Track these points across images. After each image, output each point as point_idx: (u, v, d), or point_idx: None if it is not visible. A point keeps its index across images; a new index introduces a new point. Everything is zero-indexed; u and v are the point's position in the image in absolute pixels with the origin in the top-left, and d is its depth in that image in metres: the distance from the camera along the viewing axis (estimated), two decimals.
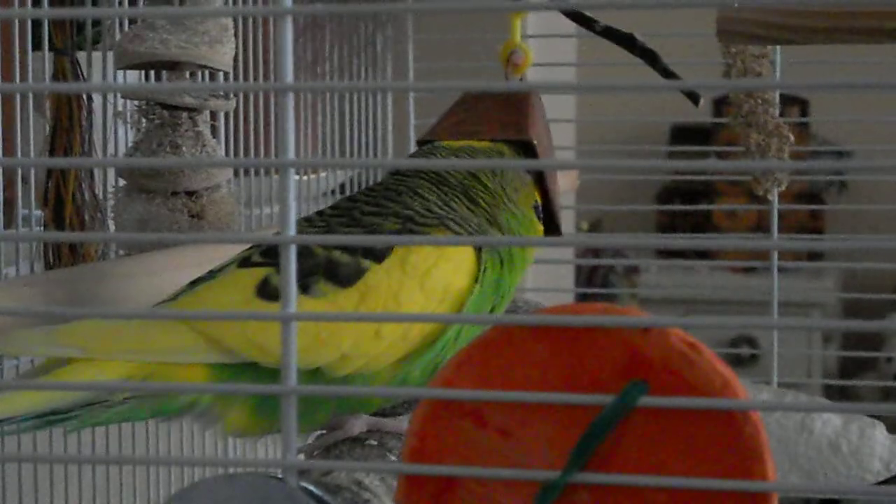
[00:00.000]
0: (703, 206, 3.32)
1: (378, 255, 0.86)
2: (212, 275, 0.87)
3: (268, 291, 0.83)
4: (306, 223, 0.90)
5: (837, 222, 3.48)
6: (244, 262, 0.86)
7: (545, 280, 2.17)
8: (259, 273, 0.84)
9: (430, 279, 0.86)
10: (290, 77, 0.58)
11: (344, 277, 0.85)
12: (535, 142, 0.93)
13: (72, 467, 1.12)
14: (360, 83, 0.64)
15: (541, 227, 0.96)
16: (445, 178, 0.92)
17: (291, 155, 0.59)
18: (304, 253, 0.84)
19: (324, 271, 0.84)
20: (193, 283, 0.87)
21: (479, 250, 0.89)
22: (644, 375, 0.57)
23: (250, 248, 0.88)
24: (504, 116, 0.94)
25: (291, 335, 0.59)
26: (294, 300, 0.60)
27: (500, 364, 0.60)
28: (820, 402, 1.21)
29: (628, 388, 0.57)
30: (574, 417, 0.58)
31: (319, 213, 0.92)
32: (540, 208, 0.95)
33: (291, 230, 0.60)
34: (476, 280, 0.88)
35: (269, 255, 0.85)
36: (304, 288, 0.83)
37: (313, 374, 0.84)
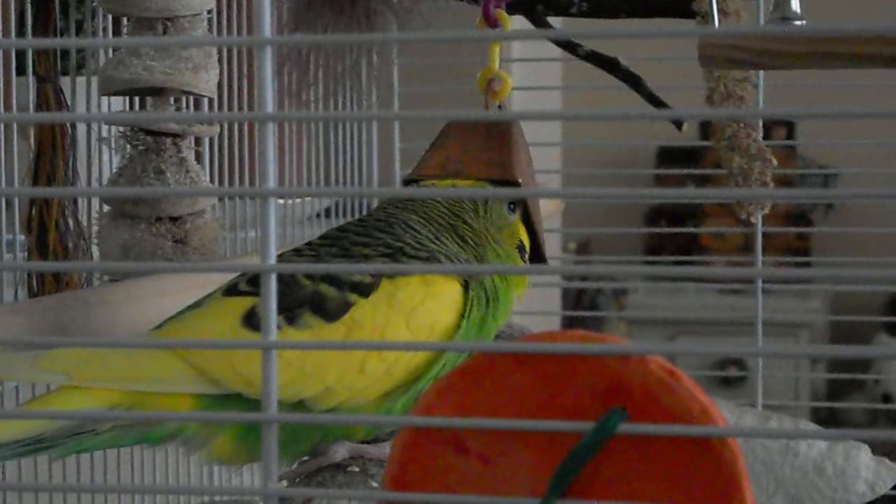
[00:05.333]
0: (689, 230, 3.32)
1: (365, 290, 0.85)
2: (198, 304, 0.87)
3: (254, 321, 0.83)
4: (295, 254, 0.90)
5: (824, 242, 3.49)
6: (230, 290, 0.86)
7: (532, 303, 2.17)
8: (245, 303, 0.84)
9: (417, 316, 0.86)
10: (270, 107, 0.58)
11: (330, 311, 0.84)
12: (520, 180, 0.93)
13: (56, 495, 1.12)
14: (342, 113, 0.64)
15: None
16: (432, 216, 0.92)
17: (272, 184, 0.59)
18: (290, 283, 0.84)
19: (310, 304, 0.84)
20: (181, 313, 0.87)
21: (466, 288, 0.89)
22: (623, 402, 0.58)
23: (237, 274, 0.88)
24: (488, 154, 0.94)
25: (272, 363, 0.60)
26: (274, 328, 0.60)
27: (480, 391, 0.60)
28: (799, 428, 1.21)
29: (607, 416, 0.57)
30: (554, 444, 0.58)
31: (308, 243, 0.92)
32: (525, 248, 0.95)
33: (272, 259, 0.60)
34: (463, 315, 0.88)
35: (256, 283, 0.85)
36: (290, 320, 0.84)
37: (297, 407, 0.84)
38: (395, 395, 0.86)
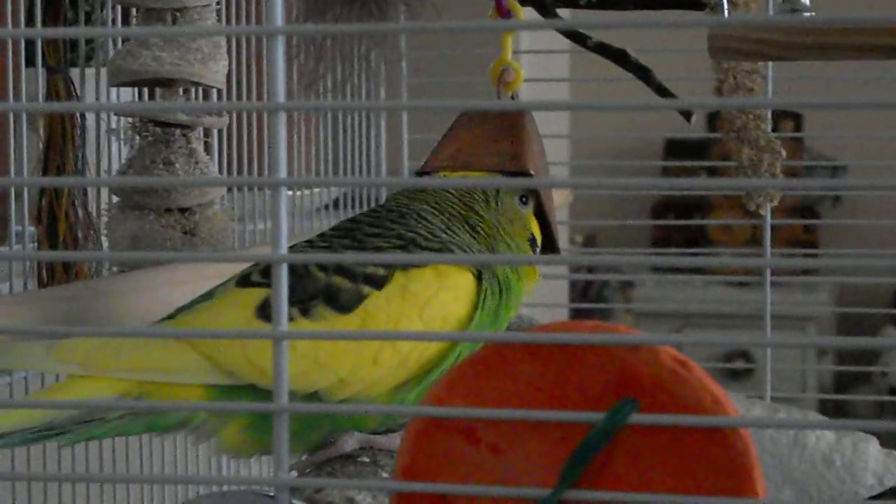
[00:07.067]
0: (697, 221, 3.32)
1: (378, 282, 0.85)
2: (211, 293, 0.87)
3: (268, 313, 0.83)
4: (308, 245, 0.90)
5: (832, 235, 3.48)
6: (243, 280, 0.86)
7: (540, 295, 2.17)
8: (259, 294, 0.84)
9: (430, 308, 0.86)
10: (281, 97, 0.58)
11: (344, 303, 0.84)
12: (532, 172, 0.93)
13: (65, 484, 1.12)
14: (352, 102, 0.64)
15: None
16: (444, 207, 0.92)
17: (283, 173, 0.59)
18: (304, 275, 0.84)
19: (324, 296, 0.84)
20: (193, 302, 0.87)
21: (479, 279, 0.88)
22: (634, 393, 0.58)
23: (250, 265, 0.88)
24: (500, 145, 0.94)
25: (283, 353, 0.60)
26: (285, 318, 0.60)
27: (491, 381, 0.60)
28: (810, 419, 1.21)
29: (619, 406, 0.57)
30: (565, 435, 0.58)
31: (321, 235, 0.92)
32: (536, 241, 0.95)
33: (283, 249, 0.60)
34: (476, 307, 0.88)
35: (269, 274, 0.85)
36: (304, 311, 0.84)
37: (310, 399, 0.84)
38: (408, 386, 0.86)
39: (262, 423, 0.84)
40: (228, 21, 1.21)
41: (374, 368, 0.85)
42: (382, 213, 0.91)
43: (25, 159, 1.03)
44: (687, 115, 1.05)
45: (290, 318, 0.82)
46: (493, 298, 0.89)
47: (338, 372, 0.84)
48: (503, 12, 0.95)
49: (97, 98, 1.11)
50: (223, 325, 0.84)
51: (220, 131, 1.20)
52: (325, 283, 0.85)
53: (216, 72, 1.04)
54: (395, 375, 0.85)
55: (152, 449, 1.22)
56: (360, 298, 0.85)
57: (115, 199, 1.07)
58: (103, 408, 0.81)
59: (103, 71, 1.09)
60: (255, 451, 0.86)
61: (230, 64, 1.08)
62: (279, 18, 0.58)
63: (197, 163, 1.06)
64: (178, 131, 1.05)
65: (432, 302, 0.86)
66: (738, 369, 3.15)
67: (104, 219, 1.08)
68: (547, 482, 0.58)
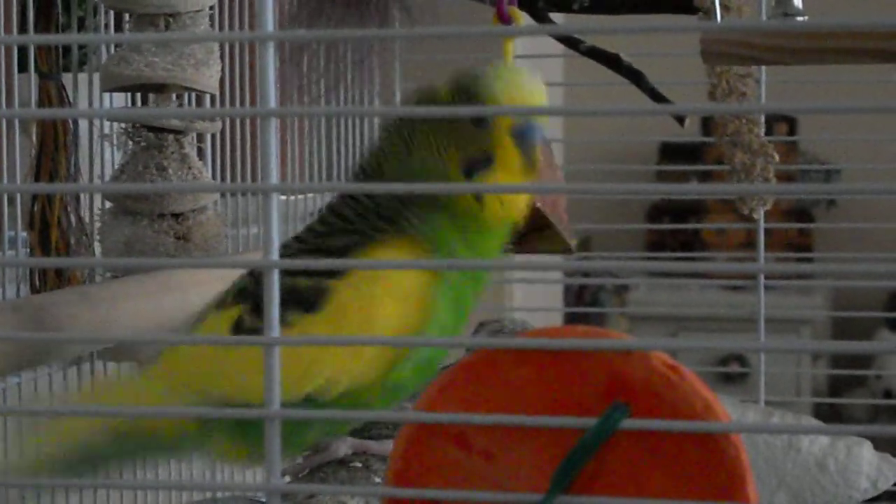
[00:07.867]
0: (691, 225, 3.32)
1: (337, 272, 0.84)
2: (197, 317, 0.87)
3: (243, 329, 0.82)
4: (282, 249, 0.89)
5: (826, 238, 3.48)
6: (221, 302, 0.86)
7: (534, 299, 2.17)
8: (232, 313, 0.83)
9: (397, 285, 0.84)
10: (272, 102, 0.58)
11: (308, 301, 0.83)
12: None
13: (58, 490, 1.12)
14: (345, 108, 0.64)
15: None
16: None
17: (274, 179, 0.59)
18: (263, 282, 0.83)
19: (289, 299, 0.83)
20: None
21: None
22: (626, 398, 0.58)
23: (228, 288, 0.86)
24: None
25: (274, 360, 0.60)
26: (276, 325, 0.60)
27: (483, 387, 0.60)
28: (802, 424, 1.21)
29: (610, 411, 0.57)
30: (557, 440, 0.58)
31: (296, 237, 0.91)
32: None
33: (274, 255, 0.60)
34: (437, 275, 0.85)
35: (240, 295, 0.84)
36: None
37: (303, 402, 0.84)
38: (402, 366, 0.84)
39: (254, 432, 0.83)
40: (221, 27, 1.21)
41: (357, 362, 0.83)
42: (346, 202, 0.89)
43: (18, 165, 1.03)
44: (680, 118, 1.05)
45: (258, 330, 0.81)
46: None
47: (323, 372, 0.83)
48: (504, 19, 0.94)
49: (90, 103, 1.11)
50: (204, 355, 0.83)
51: (213, 136, 1.20)
52: (290, 286, 0.82)
53: (209, 77, 1.04)
54: (382, 359, 0.84)
55: None
56: (321, 293, 0.83)
57: (107, 204, 1.07)
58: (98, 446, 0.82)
59: (96, 76, 1.09)
60: (250, 459, 0.85)
61: (223, 69, 1.08)
62: (270, 24, 0.58)
63: (190, 168, 1.06)
64: (171, 136, 1.05)
65: (394, 278, 0.84)
66: (732, 373, 3.15)
67: (97, 224, 1.08)
68: (539, 488, 0.58)
